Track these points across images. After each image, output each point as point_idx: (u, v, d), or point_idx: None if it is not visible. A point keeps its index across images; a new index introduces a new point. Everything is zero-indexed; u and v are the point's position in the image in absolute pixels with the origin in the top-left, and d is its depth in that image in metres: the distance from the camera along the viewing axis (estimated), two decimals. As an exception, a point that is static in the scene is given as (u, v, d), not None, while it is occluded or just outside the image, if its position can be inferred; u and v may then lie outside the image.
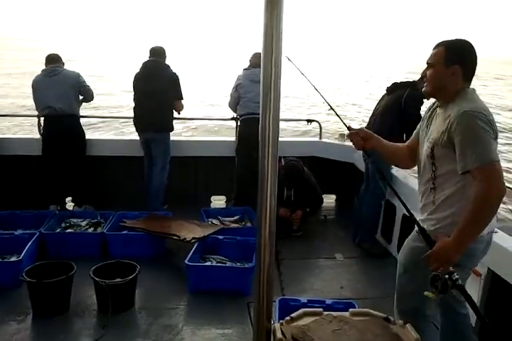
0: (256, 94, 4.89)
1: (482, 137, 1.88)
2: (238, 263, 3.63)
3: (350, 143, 2.35)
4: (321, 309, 2.13)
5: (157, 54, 4.86)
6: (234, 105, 5.09)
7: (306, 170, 4.61)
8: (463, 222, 1.90)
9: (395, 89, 4.07)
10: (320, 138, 5.57)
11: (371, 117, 4.28)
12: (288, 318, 2.04)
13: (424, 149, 2.12)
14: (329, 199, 5.51)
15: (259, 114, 5.16)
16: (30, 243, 3.62)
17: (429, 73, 2.10)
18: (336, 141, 5.48)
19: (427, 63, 2.11)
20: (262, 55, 1.43)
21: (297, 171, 4.48)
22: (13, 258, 3.54)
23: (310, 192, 4.60)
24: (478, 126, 1.88)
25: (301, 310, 2.13)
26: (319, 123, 5.67)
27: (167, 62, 4.93)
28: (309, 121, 5.76)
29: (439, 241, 1.95)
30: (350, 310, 2.11)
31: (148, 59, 4.86)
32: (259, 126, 1.50)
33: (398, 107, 3.90)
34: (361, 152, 4.46)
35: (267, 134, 1.49)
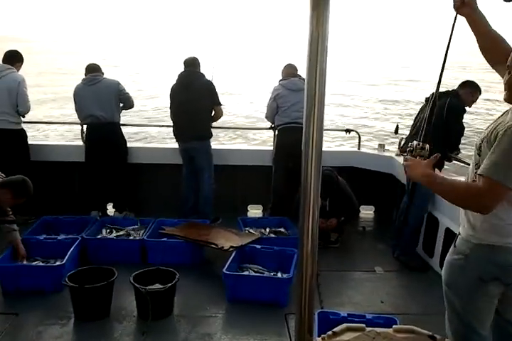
0: (295, 103, 4.90)
1: None
2: (275, 274, 3.61)
3: (389, 154, 2.27)
4: (363, 325, 2.10)
5: (191, 64, 4.94)
6: (272, 115, 5.10)
7: (340, 180, 4.56)
8: (444, 184, 1.90)
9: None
10: (359, 148, 5.52)
11: (411, 129, 4.21)
12: (330, 333, 2.02)
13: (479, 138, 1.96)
14: (368, 211, 5.43)
15: (298, 123, 5.21)
16: (72, 248, 3.71)
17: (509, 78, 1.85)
18: (376, 152, 5.41)
19: (508, 66, 1.86)
20: (307, 66, 1.42)
21: (332, 180, 4.43)
22: (57, 263, 3.63)
23: (345, 202, 4.54)
24: None
25: (343, 325, 2.10)
26: (358, 133, 5.61)
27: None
28: (348, 131, 5.71)
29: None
30: (394, 326, 2.07)
31: (183, 70, 4.96)
32: (303, 137, 1.49)
33: (440, 118, 3.80)
34: (401, 162, 4.42)
35: (310, 146, 1.47)
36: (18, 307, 3.20)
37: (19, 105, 4.73)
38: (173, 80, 4.98)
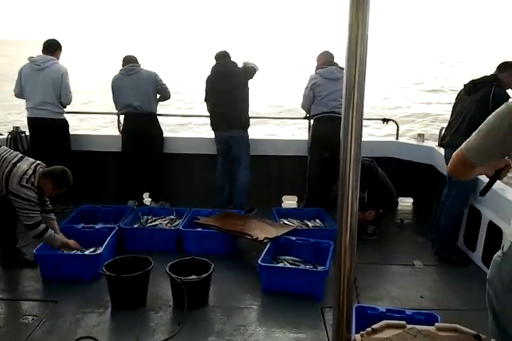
0: (332, 92, 4.80)
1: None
2: (310, 266, 3.56)
3: (429, 144, 2.20)
4: (404, 322, 2.02)
5: (223, 56, 4.95)
6: (308, 105, 5.02)
7: (380, 171, 4.44)
8: None
9: (475, 87, 3.80)
10: (397, 138, 5.37)
11: (452, 120, 4.04)
12: (369, 330, 1.94)
13: None
14: (406, 203, 5.29)
15: (335, 113, 5.08)
16: (109, 237, 3.76)
17: None
18: (414, 141, 5.25)
19: None
20: (346, 54, 1.37)
21: (371, 172, 4.32)
22: (96, 251, 3.67)
23: (384, 194, 4.43)
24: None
25: (383, 322, 2.03)
26: (396, 123, 5.46)
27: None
28: (385, 120, 5.56)
29: None
30: (436, 324, 1.98)
31: (216, 62, 4.95)
32: (342, 127, 1.44)
33: (485, 108, 3.59)
34: (442, 152, 4.26)
35: (349, 136, 1.42)
36: (58, 294, 3.27)
37: (62, 96, 4.80)
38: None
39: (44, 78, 4.69)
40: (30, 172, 3.36)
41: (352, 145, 1.42)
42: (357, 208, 1.55)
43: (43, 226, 3.42)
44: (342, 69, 5.05)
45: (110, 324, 2.97)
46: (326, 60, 5.04)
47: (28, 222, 3.37)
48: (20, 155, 3.52)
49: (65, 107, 4.94)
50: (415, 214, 5.19)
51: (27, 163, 3.43)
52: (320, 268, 3.45)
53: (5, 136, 4.92)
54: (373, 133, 11.45)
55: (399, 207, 5.07)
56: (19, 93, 4.87)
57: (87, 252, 3.70)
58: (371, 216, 4.31)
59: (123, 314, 3.07)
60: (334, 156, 4.96)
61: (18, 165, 3.38)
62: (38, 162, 3.53)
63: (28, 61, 4.82)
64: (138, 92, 4.88)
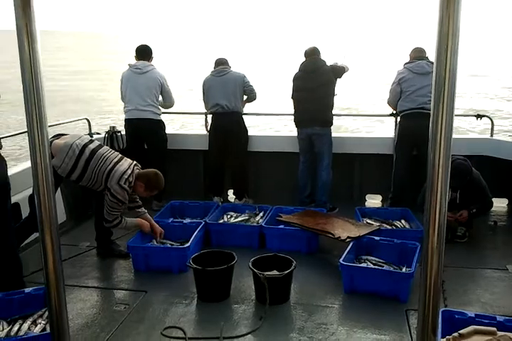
0: (421, 87, 4.64)
1: None
2: (395, 267, 3.47)
3: None
4: (494, 328, 1.92)
5: (313, 53, 4.96)
6: (395, 100, 4.88)
7: (474, 170, 4.19)
8: None
9: None
10: (491, 135, 5.06)
11: None
12: (456, 335, 1.88)
13: None
14: (500, 204, 4.97)
15: (424, 109, 4.92)
16: (196, 231, 3.92)
17: None
18: (511, 139, 4.92)
19: None
20: (436, 46, 1.31)
21: (465, 171, 4.06)
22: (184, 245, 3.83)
23: (478, 194, 4.17)
24: None
25: (471, 327, 1.95)
26: (491, 119, 5.14)
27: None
28: (479, 116, 5.25)
29: None
30: (532, 333, 1.87)
31: (305, 59, 4.98)
32: (430, 124, 1.39)
33: None
34: None
35: (439, 133, 1.36)
36: (148, 285, 3.46)
37: (166, 100, 5.10)
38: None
39: (145, 82, 4.95)
40: (129, 172, 3.61)
41: (441, 142, 1.37)
42: (446, 208, 1.50)
43: (117, 221, 3.69)
44: (433, 63, 4.86)
45: (196, 315, 3.09)
46: (416, 55, 4.88)
47: (108, 217, 3.66)
48: (120, 155, 3.78)
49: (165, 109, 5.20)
50: (510, 216, 4.86)
51: (127, 163, 3.68)
52: (405, 269, 3.35)
53: (102, 135, 5.29)
54: (465, 129, 10.88)
55: (492, 209, 4.78)
56: (122, 98, 5.15)
57: (175, 245, 3.89)
58: (463, 217, 4.08)
59: (208, 306, 3.19)
60: (422, 155, 4.83)
61: (120, 163, 3.64)
62: (135, 162, 3.77)
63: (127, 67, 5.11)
64: (226, 92, 5.04)
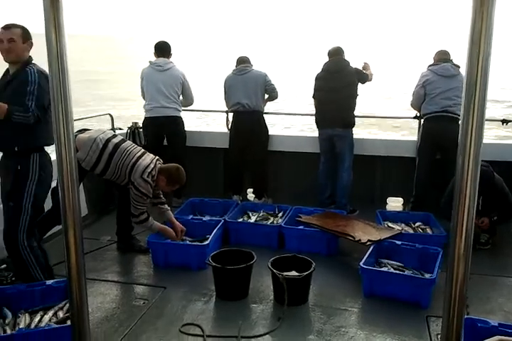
0: (446, 90, 4.58)
1: None
2: (416, 272, 3.42)
3: None
4: (521, 339, 1.87)
5: (335, 53, 4.92)
6: (419, 103, 4.82)
7: (496, 176, 4.11)
8: None
9: None
10: None
11: None
12: (482, 344, 1.83)
13: None
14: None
15: (448, 112, 4.82)
16: (216, 229, 3.92)
17: None
18: None
19: None
20: (468, 49, 1.28)
21: (487, 176, 3.99)
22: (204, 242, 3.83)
23: (500, 201, 4.10)
24: None
25: (495, 338, 1.90)
26: (517, 125, 5.05)
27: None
28: (505, 121, 5.16)
29: None
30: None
31: (328, 59, 4.94)
32: (460, 129, 1.36)
33: None
34: None
35: (469, 139, 1.33)
36: (167, 281, 3.47)
37: (187, 97, 5.10)
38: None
39: (167, 79, 4.95)
40: (152, 166, 3.62)
41: (471, 148, 1.33)
42: (474, 215, 1.46)
43: (144, 216, 3.69)
44: (457, 66, 4.81)
45: (214, 313, 3.09)
46: (440, 57, 4.81)
47: (134, 211, 3.66)
48: (143, 150, 3.80)
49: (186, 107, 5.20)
50: None
51: (149, 158, 3.69)
52: (427, 275, 3.30)
53: (125, 131, 5.32)
54: (490, 135, 10.70)
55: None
56: (142, 95, 5.15)
57: (194, 242, 3.90)
58: (485, 224, 4.01)
59: (226, 304, 3.19)
60: (446, 158, 4.77)
61: (142, 158, 3.66)
62: (157, 157, 3.78)
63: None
64: (247, 91, 5.02)
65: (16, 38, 2.92)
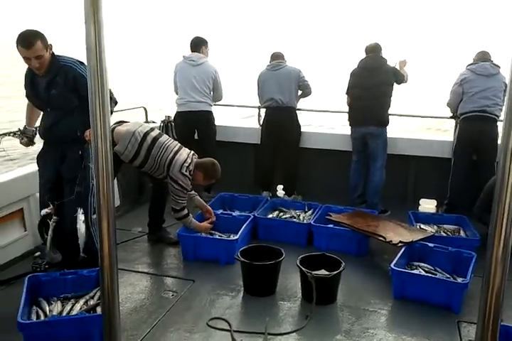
0: (484, 89, 4.47)
1: None
2: (448, 276, 3.34)
3: None
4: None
5: (373, 50, 4.85)
6: (456, 102, 4.71)
7: None
8: None
9: None
10: None
11: None
12: (520, 354, 1.78)
13: None
14: None
15: (485, 112, 4.69)
16: (245, 224, 3.92)
17: None
18: None
19: None
20: None
21: None
22: (231, 237, 3.87)
23: None
24: None
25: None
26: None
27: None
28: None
29: None
30: None
31: (365, 56, 4.87)
32: (502, 130, 1.31)
33: None
34: None
35: (511, 141, 1.28)
36: (195, 274, 3.49)
37: (217, 92, 5.09)
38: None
39: (200, 74, 4.95)
40: (189, 160, 3.66)
41: None
42: None
43: (185, 211, 3.75)
44: (497, 66, 4.67)
45: (241, 308, 3.10)
46: (480, 56, 4.70)
47: (175, 206, 3.72)
48: (179, 144, 3.82)
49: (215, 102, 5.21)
50: None
51: (186, 153, 3.73)
52: (460, 279, 3.22)
53: (158, 124, 5.37)
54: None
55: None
56: (175, 89, 5.16)
57: (224, 237, 3.91)
58: None
59: (254, 299, 3.19)
60: (482, 160, 4.64)
61: (180, 152, 3.69)
62: (193, 152, 3.82)
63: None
64: (280, 87, 4.99)
65: (41, 52, 2.93)
